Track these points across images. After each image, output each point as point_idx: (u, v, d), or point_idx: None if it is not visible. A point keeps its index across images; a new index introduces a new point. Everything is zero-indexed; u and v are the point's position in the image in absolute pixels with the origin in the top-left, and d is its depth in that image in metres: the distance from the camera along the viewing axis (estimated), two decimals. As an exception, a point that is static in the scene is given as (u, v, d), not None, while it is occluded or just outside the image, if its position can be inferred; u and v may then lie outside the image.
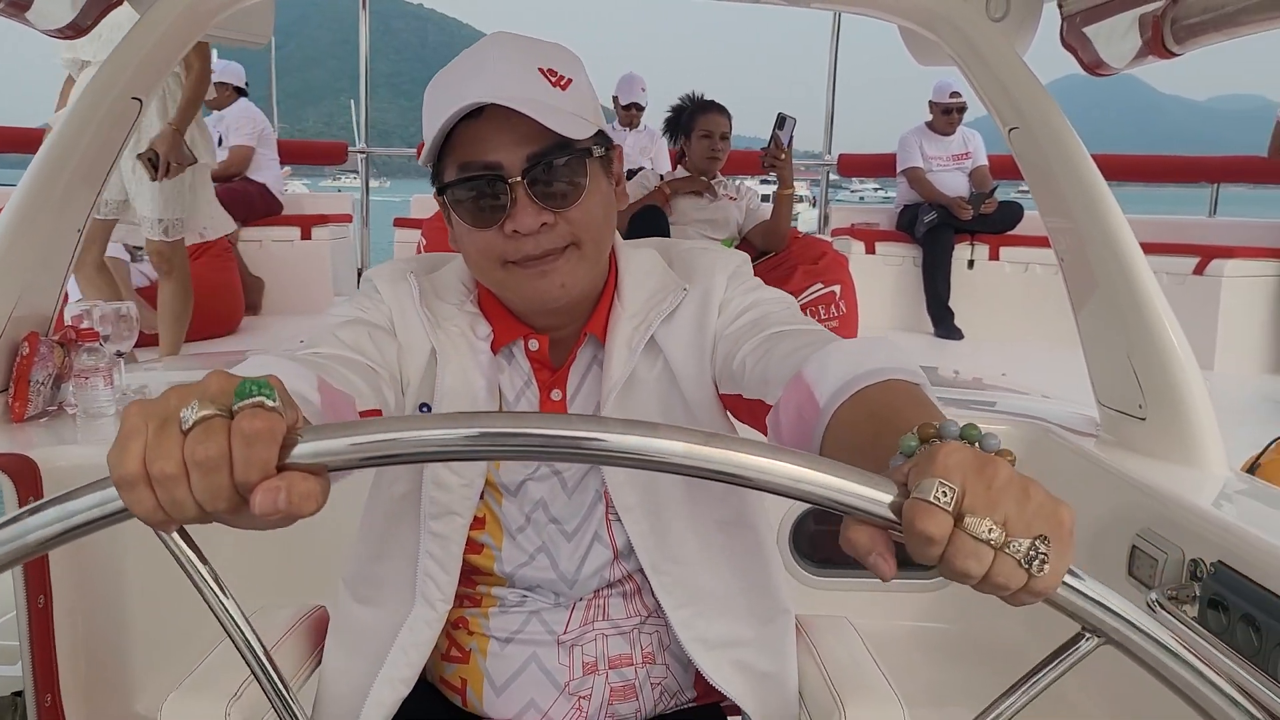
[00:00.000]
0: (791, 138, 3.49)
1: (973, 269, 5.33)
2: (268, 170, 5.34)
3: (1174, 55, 2.05)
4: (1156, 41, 2.01)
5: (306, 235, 5.42)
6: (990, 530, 0.54)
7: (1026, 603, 0.57)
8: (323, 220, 5.49)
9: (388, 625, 1.09)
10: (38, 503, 0.60)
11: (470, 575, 1.09)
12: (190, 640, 2.10)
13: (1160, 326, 1.79)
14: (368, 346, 1.02)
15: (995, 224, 5.28)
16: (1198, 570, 1.55)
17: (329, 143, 6.34)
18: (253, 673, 0.71)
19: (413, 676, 1.08)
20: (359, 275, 6.12)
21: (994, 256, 5.30)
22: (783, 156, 3.46)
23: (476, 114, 0.95)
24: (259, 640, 0.72)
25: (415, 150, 6.13)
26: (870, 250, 5.53)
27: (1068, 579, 0.58)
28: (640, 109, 5.70)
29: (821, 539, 2.23)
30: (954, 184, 5.42)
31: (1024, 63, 1.94)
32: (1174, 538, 1.61)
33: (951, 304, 5.26)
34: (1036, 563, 0.55)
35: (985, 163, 5.47)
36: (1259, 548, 1.44)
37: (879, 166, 6.01)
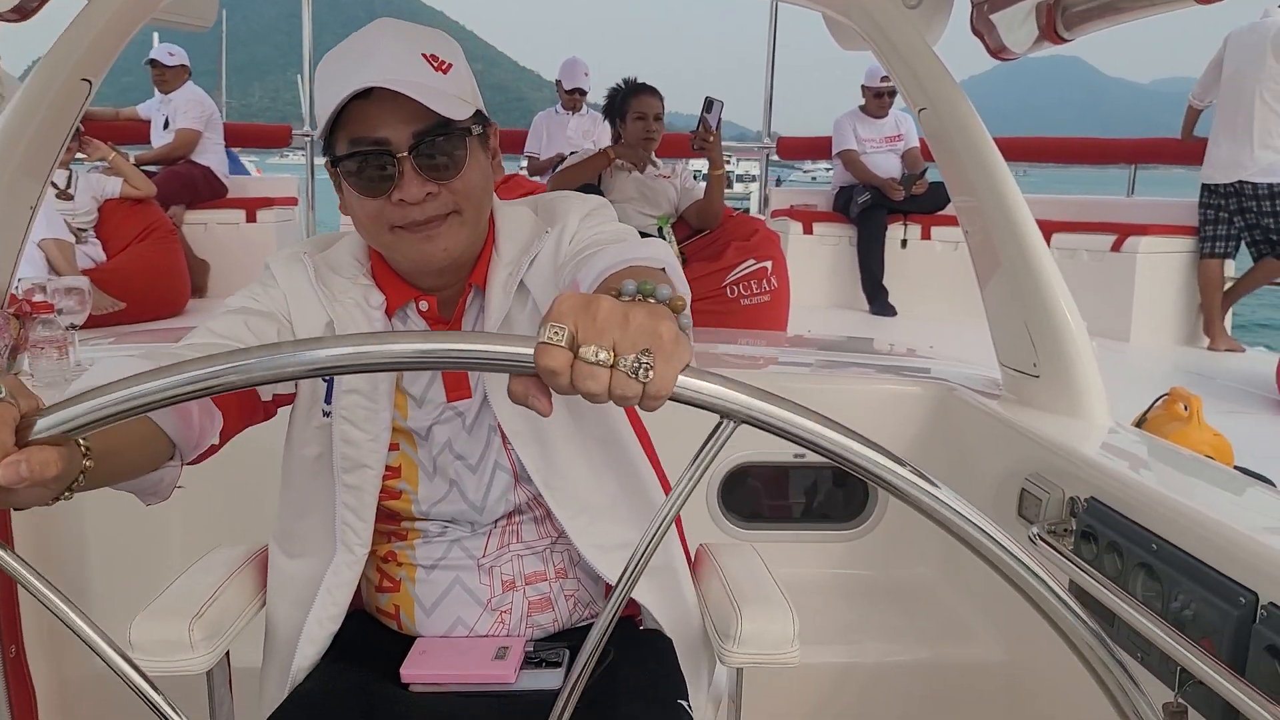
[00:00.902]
0: (719, 120, 3.62)
1: (906, 248, 5.52)
2: (213, 154, 5.36)
3: (1066, 41, 2.23)
4: (1050, 28, 2.18)
5: (251, 218, 5.46)
6: (599, 354, 0.66)
7: (654, 407, 0.68)
8: (268, 203, 5.52)
9: (314, 572, 1.21)
10: None
11: (392, 517, 1.22)
12: (149, 592, 2.20)
13: (1053, 295, 1.95)
14: (243, 334, 1.13)
15: (926, 204, 5.47)
16: (1075, 507, 1.72)
17: (274, 126, 6.35)
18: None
19: (340, 614, 1.20)
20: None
21: (925, 236, 5.50)
22: (711, 139, 3.60)
23: (366, 94, 1.06)
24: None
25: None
26: (808, 230, 5.70)
27: (687, 380, 0.69)
28: (583, 93, 5.80)
29: (747, 496, 2.39)
30: (887, 165, 5.61)
31: (930, 49, 2.09)
32: (1056, 479, 1.78)
33: (885, 282, 5.45)
34: (643, 371, 0.66)
35: (917, 145, 5.66)
36: (1126, 484, 1.61)
37: (816, 149, 6.18)
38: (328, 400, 1.18)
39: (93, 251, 4.34)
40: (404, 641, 1.22)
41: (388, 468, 1.19)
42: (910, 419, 2.34)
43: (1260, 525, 1.37)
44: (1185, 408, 2.28)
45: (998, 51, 2.39)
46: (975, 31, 2.40)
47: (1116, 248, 5.00)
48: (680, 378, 0.68)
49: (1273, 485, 1.83)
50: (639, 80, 3.79)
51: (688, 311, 0.77)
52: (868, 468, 0.73)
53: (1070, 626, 0.76)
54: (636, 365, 0.67)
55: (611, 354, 0.67)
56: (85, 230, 4.38)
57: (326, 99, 1.09)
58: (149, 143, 5.45)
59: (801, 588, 2.31)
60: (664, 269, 0.96)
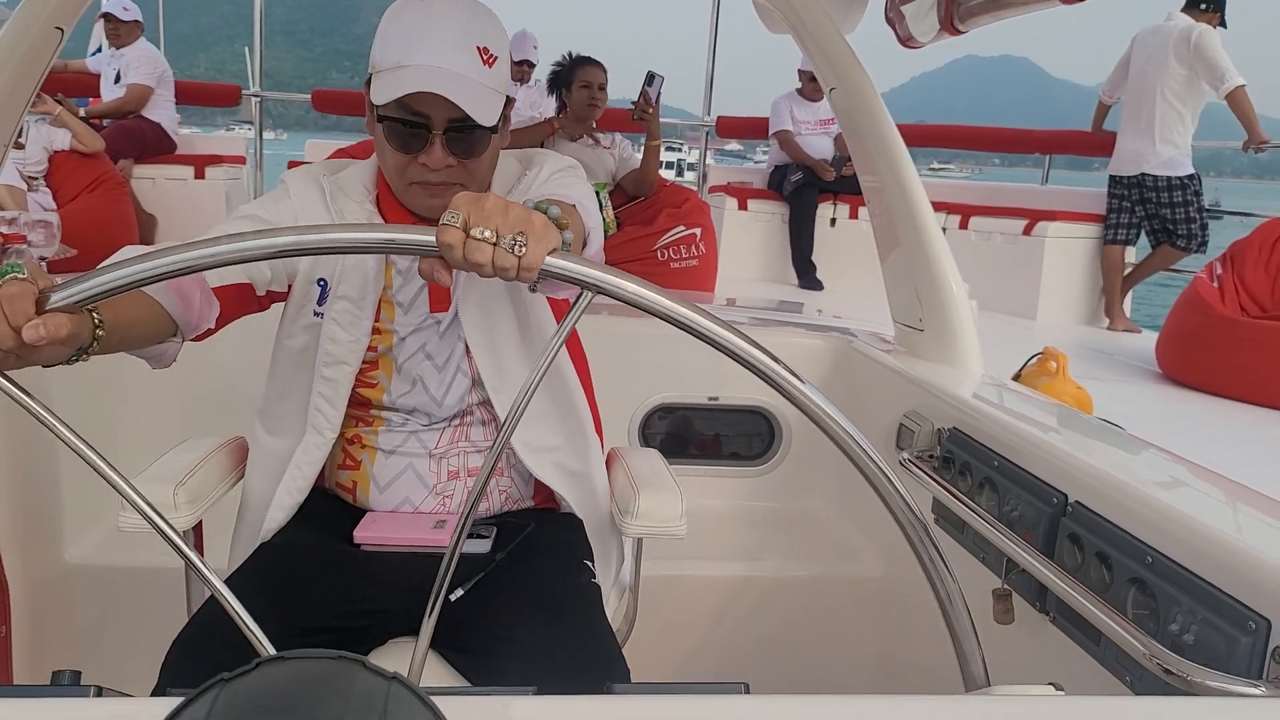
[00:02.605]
0: (659, 94, 3.85)
1: (834, 226, 5.79)
2: (163, 110, 5.44)
3: (960, 32, 2.49)
4: (948, 20, 2.45)
5: (200, 175, 5.56)
6: (484, 232, 0.89)
7: (528, 279, 0.91)
8: (216, 160, 5.62)
9: (287, 449, 1.43)
10: None
11: (363, 404, 1.43)
12: (107, 503, 2.40)
13: (939, 261, 2.22)
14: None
15: (856, 185, 5.67)
16: (940, 437, 1.99)
17: (222, 85, 6.43)
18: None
19: (306, 486, 1.42)
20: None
21: (854, 215, 5.78)
22: (650, 111, 3.82)
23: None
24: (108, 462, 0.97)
25: (310, 97, 6.17)
26: (743, 207, 5.95)
27: (553, 259, 0.92)
28: (531, 65, 5.97)
29: (665, 434, 2.64)
30: (820, 147, 5.87)
31: (839, 34, 2.33)
32: (928, 414, 2.04)
33: (814, 258, 5.72)
34: (518, 247, 0.89)
35: (849, 129, 5.93)
36: (980, 416, 1.88)
37: (754, 129, 6.42)
38: (320, 302, 1.39)
39: (43, 200, 4.43)
40: (357, 513, 1.45)
41: (365, 362, 1.41)
42: (814, 367, 2.61)
43: (1073, 444, 1.65)
44: (1055, 365, 2.57)
45: (905, 40, 2.65)
46: (888, 20, 2.66)
47: (1028, 232, 5.34)
48: (548, 258, 0.91)
49: (1120, 429, 2.13)
50: (581, 54, 4.00)
51: (569, 232, 0.99)
52: (712, 337, 0.95)
53: (910, 523, 1.00)
54: (513, 243, 0.89)
55: (495, 234, 0.89)
56: (36, 179, 4.47)
57: (389, 61, 1.28)
58: (98, 95, 5.50)
59: (711, 516, 2.58)
60: (575, 205, 1.17)
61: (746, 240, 5.87)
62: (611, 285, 0.91)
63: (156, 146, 5.41)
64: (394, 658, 1.36)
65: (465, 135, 1.30)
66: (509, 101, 1.38)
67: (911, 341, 2.35)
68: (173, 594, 1.89)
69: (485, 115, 1.28)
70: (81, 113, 5.02)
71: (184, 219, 5.51)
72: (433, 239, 0.90)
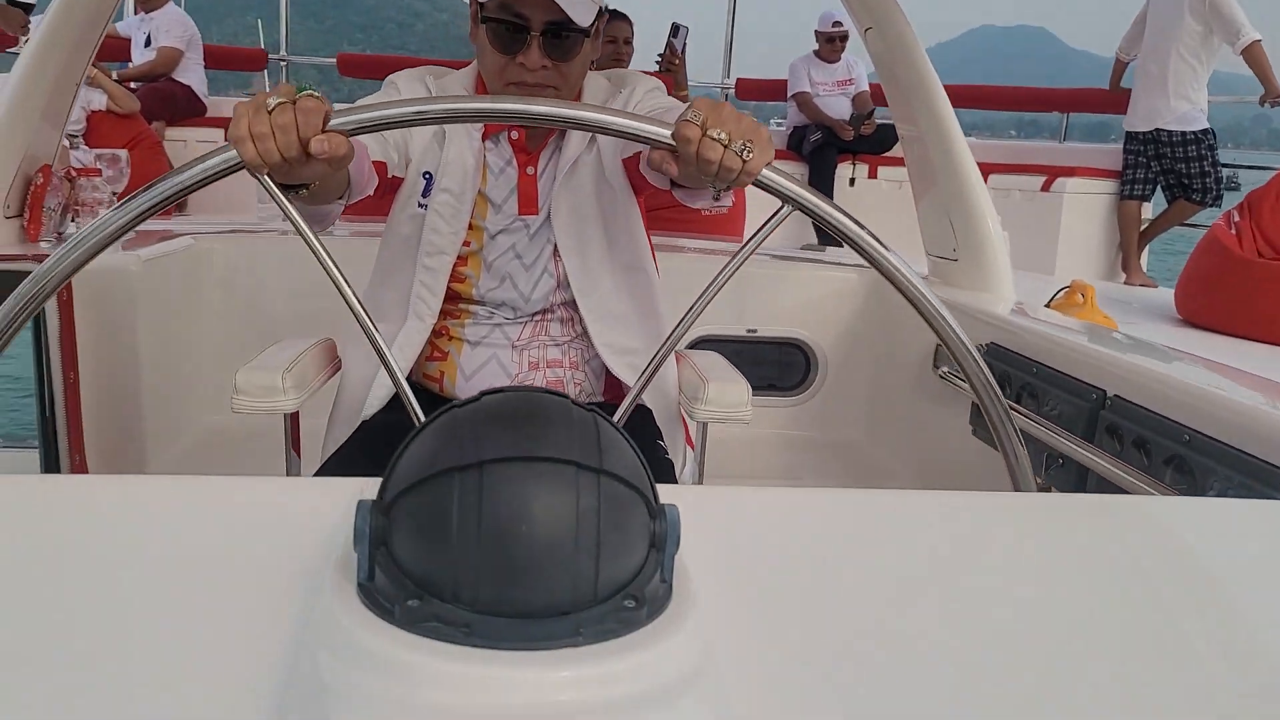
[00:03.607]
0: (685, 45, 3.93)
1: (854, 186, 5.87)
2: (193, 73, 5.53)
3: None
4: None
5: (230, 137, 5.64)
6: (720, 134, 1.00)
7: (745, 183, 1.02)
8: (246, 123, 5.70)
9: (388, 334, 1.53)
10: (179, 167, 1.01)
11: (453, 298, 1.54)
12: (189, 415, 2.52)
13: (974, 190, 2.31)
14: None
15: (874, 145, 5.82)
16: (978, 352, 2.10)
17: (249, 49, 6.50)
18: (338, 290, 1.11)
19: (406, 368, 1.53)
20: (278, 181, 6.34)
21: (873, 175, 5.86)
22: (676, 63, 3.90)
23: None
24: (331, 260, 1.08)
25: (335, 61, 6.24)
26: (763, 167, 6.03)
27: (768, 171, 1.03)
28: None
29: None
30: (838, 108, 5.94)
31: None
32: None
33: (833, 217, 5.80)
34: (745, 153, 1.00)
35: (866, 89, 6.00)
36: (1016, 329, 1.99)
37: (773, 91, 6.49)
38: (425, 195, 1.49)
39: (84, 158, 4.51)
40: (444, 402, 1.55)
41: (459, 256, 1.51)
42: (849, 300, 2.71)
43: (1110, 346, 1.76)
44: (1083, 296, 2.66)
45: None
46: None
47: (1046, 188, 5.41)
48: (764, 170, 1.01)
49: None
50: (610, 7, 4.07)
51: None
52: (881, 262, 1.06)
53: (990, 398, 1.11)
54: (742, 148, 1.00)
55: (728, 137, 0.99)
56: (75, 138, 4.56)
57: None
58: (128, 59, 5.59)
59: (750, 443, 2.68)
60: None
61: (767, 200, 5.94)
62: (810, 203, 1.03)
63: (187, 109, 5.49)
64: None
65: (561, 39, 1.40)
66: (601, 13, 1.48)
67: (945, 271, 2.45)
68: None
69: (581, 17, 1.38)
70: (115, 75, 5.11)
71: (215, 184, 5.60)
72: (669, 132, 1.00)
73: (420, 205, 1.51)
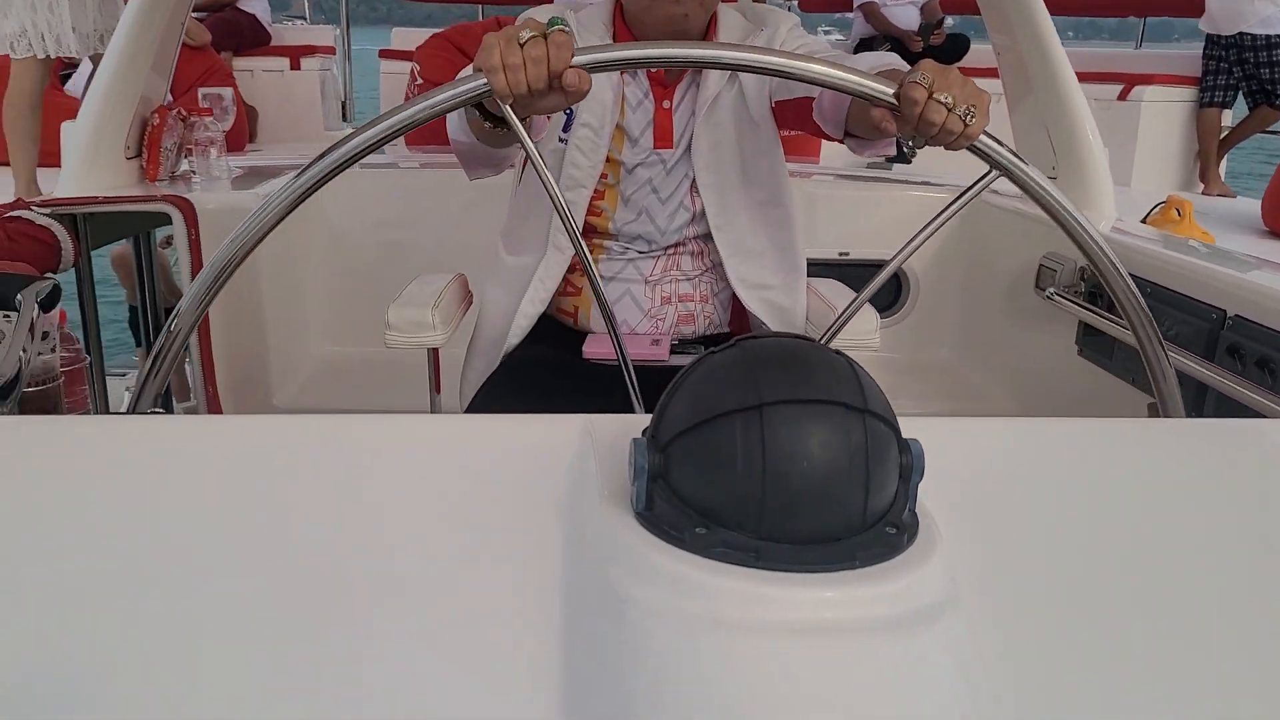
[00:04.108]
0: None
1: (921, 99, 5.77)
2: (257, 2, 5.53)
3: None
4: None
5: (296, 66, 5.67)
6: (946, 98, 1.03)
7: (961, 146, 1.05)
8: (310, 51, 5.72)
9: (528, 266, 1.59)
10: (426, 93, 1.05)
11: (589, 232, 1.58)
12: (305, 347, 2.62)
13: (1074, 104, 2.28)
14: None
15: (943, 55, 5.69)
16: (1084, 274, 2.10)
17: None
18: (556, 206, 1.12)
19: (546, 299, 1.59)
20: (343, 108, 6.38)
21: (941, 87, 5.74)
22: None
23: None
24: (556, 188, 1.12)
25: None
26: (828, 82, 5.94)
27: (984, 136, 1.07)
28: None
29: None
30: (906, 18, 5.81)
31: None
32: (1070, 253, 2.15)
33: (901, 131, 5.72)
34: (969, 118, 1.03)
35: (935, -2, 5.85)
36: (1128, 248, 1.99)
37: (838, 3, 6.35)
38: (565, 129, 1.53)
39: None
40: (578, 334, 1.61)
41: (595, 190, 1.56)
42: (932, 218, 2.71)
43: (1227, 265, 1.76)
44: (1179, 212, 2.64)
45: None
46: None
47: (1123, 97, 5.28)
48: (981, 135, 1.05)
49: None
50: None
51: None
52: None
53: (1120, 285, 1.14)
54: (966, 112, 1.03)
55: (953, 101, 1.02)
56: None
57: None
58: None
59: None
60: None
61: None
62: (1021, 171, 1.06)
63: (253, 38, 5.51)
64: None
65: None
66: None
67: (1044, 189, 2.43)
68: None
69: None
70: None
71: (282, 111, 5.65)
72: (891, 91, 1.04)
73: (560, 140, 1.54)
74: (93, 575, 0.61)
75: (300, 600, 0.61)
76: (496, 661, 0.57)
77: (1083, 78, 5.76)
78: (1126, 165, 5.25)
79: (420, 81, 4.74)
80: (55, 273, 2.04)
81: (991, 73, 5.79)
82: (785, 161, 1.64)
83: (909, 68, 1.29)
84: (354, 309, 2.57)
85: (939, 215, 1.12)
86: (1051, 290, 2.12)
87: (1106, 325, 1.91)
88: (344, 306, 2.61)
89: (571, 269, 1.62)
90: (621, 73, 1.55)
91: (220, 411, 2.19)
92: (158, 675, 0.54)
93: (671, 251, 1.60)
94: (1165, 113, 5.28)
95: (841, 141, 1.40)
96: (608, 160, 1.55)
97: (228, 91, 2.47)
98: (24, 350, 0.96)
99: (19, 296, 1.01)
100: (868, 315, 1.59)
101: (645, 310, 1.60)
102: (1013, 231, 2.44)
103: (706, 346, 1.62)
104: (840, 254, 2.72)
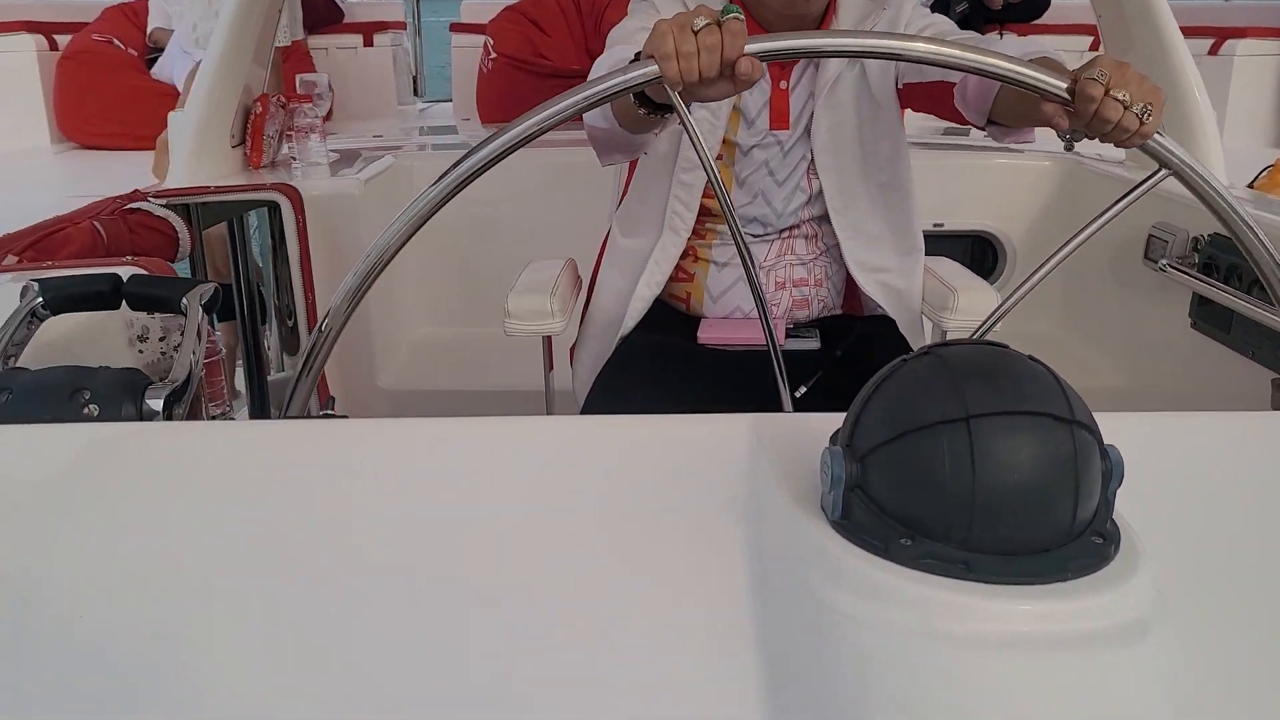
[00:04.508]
0: None
1: (1000, 58, 5.63)
2: (330, -21, 5.57)
3: None
4: None
5: (369, 42, 5.70)
6: (1123, 95, 1.01)
7: (1136, 144, 1.04)
8: (383, 27, 5.76)
9: (644, 249, 1.59)
10: (599, 78, 1.04)
11: (703, 214, 1.58)
12: (403, 329, 2.67)
13: (1180, 65, 2.21)
14: None
15: (1023, 13, 5.54)
16: (1198, 244, 2.05)
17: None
18: (716, 193, 1.11)
19: (662, 281, 1.59)
20: (414, 82, 6.42)
21: (1021, 46, 5.59)
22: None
23: None
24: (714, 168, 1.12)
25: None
26: (903, 42, 5.81)
27: (1157, 134, 1.05)
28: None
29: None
30: (984, -25, 5.65)
31: None
32: (1180, 223, 2.10)
33: (979, 92, 5.59)
34: (1146, 116, 1.02)
35: (1015, -47, 5.67)
36: (1255, 218, 1.93)
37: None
38: None
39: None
40: (691, 320, 1.62)
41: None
42: (1041, 189, 2.66)
43: None
44: (1289, 175, 2.55)
45: None
46: None
47: (1214, 51, 5.08)
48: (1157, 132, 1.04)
49: None
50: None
51: None
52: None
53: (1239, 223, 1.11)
54: (1142, 110, 1.02)
55: (1130, 99, 1.01)
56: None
57: None
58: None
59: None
60: (1062, 62, 1.27)
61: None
62: (1193, 174, 1.06)
63: (328, 16, 5.56)
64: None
65: None
66: None
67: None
68: (462, 410, 2.17)
69: None
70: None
71: (355, 87, 5.70)
72: (1064, 85, 1.03)
73: (677, 121, 1.54)
74: (274, 579, 0.64)
75: (492, 604, 0.63)
76: (693, 664, 0.58)
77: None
78: (1219, 124, 5.07)
79: (494, 56, 4.75)
80: (173, 262, 2.10)
81: (1074, 28, 5.63)
82: (905, 143, 1.62)
83: (1056, 54, 1.26)
84: (449, 288, 2.61)
85: (1102, 215, 1.10)
86: (1164, 261, 2.07)
87: (1225, 298, 1.86)
88: (440, 286, 2.65)
89: (685, 254, 1.62)
90: None
91: (328, 391, 2.24)
92: (336, 680, 0.56)
93: (786, 235, 1.59)
94: (1259, 66, 5.08)
95: (982, 129, 1.37)
96: (723, 142, 1.54)
97: (323, 78, 2.52)
98: (193, 353, 1.00)
99: (184, 300, 1.04)
100: (986, 295, 1.57)
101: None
102: (1117, 196, 2.38)
103: (821, 330, 1.61)
104: (935, 225, 2.68)
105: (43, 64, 4.68)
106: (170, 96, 4.54)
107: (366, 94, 5.73)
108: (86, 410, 0.88)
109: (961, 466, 0.59)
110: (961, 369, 0.63)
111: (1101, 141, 1.06)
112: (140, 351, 1.24)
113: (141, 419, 0.92)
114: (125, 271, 1.24)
